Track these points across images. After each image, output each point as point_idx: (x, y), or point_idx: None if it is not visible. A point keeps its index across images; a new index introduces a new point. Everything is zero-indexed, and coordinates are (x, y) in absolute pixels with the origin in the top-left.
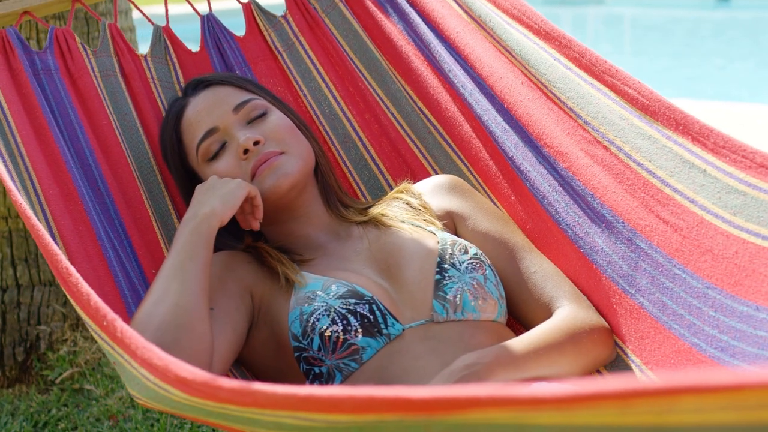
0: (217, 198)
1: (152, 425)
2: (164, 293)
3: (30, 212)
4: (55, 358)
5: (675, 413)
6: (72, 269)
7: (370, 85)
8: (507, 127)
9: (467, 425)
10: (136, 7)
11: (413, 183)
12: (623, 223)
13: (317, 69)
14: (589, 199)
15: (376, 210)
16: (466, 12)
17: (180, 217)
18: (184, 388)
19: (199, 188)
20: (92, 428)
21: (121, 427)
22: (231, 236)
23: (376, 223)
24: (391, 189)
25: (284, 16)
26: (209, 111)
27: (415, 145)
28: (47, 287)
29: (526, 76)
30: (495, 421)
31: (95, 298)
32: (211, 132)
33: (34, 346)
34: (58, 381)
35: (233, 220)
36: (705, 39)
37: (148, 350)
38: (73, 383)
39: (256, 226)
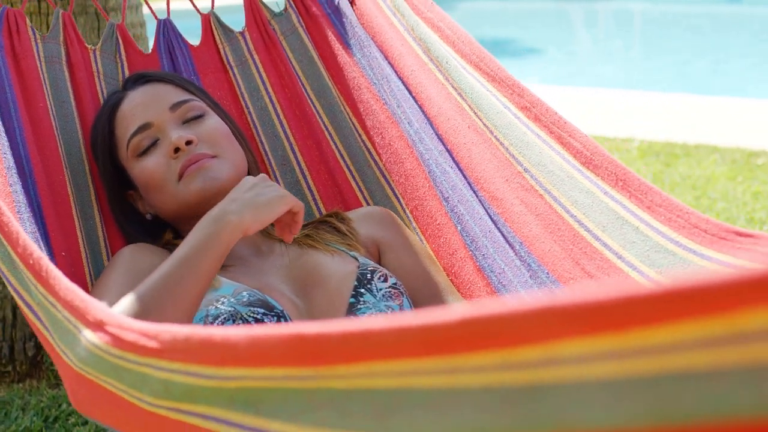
0: (252, 208)
1: None
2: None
3: None
4: None
5: (553, 366)
6: (4, 208)
7: (318, 112)
8: (447, 168)
9: (359, 392)
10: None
11: (344, 211)
12: (548, 273)
13: (266, 88)
14: (518, 247)
15: (302, 231)
16: (424, 52)
17: (102, 209)
18: (96, 329)
19: (244, 182)
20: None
21: None
22: (149, 236)
23: (299, 242)
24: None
25: (242, 33)
26: (145, 106)
27: (353, 176)
28: None
29: (474, 119)
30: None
31: (24, 237)
32: (144, 127)
33: None
34: None
35: (155, 221)
36: (715, 34)
37: (71, 292)
38: None
39: (288, 239)
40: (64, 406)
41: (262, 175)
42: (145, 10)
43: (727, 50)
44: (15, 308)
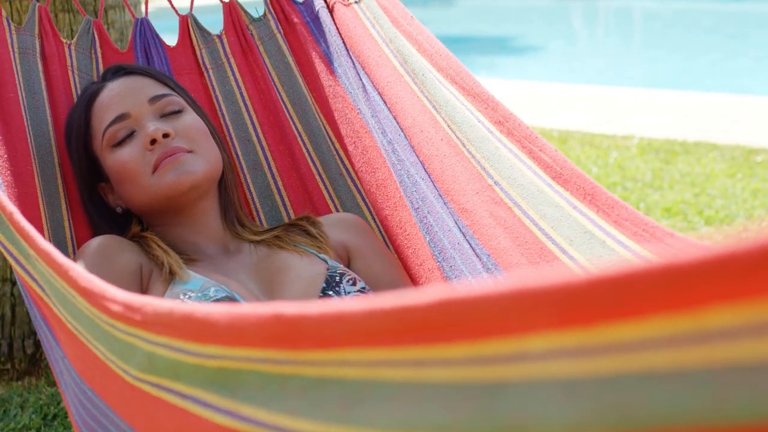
0: None
1: None
2: None
3: None
4: None
5: (518, 362)
6: None
7: (291, 118)
8: (418, 179)
9: (331, 381)
10: None
11: (315, 216)
12: None
13: (241, 93)
14: (485, 260)
15: (271, 233)
16: (401, 63)
17: (69, 201)
18: (85, 296)
19: None
20: None
21: None
22: (117, 230)
23: (268, 243)
24: None
25: (219, 36)
26: (123, 97)
27: (324, 184)
28: None
29: (447, 132)
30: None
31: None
32: (121, 117)
33: None
34: None
35: (124, 215)
36: (715, 32)
37: (49, 254)
38: None
39: None
40: (62, 403)
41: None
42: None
43: (727, 48)
44: (14, 306)
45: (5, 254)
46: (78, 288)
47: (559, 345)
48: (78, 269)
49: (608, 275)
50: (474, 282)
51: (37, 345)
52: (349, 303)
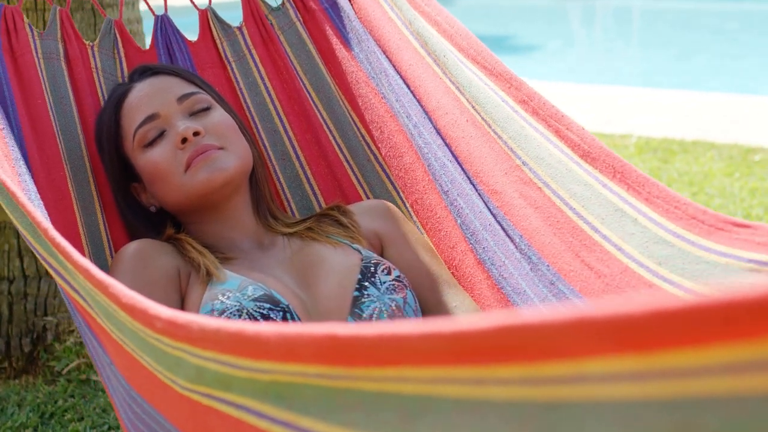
0: None
1: None
2: None
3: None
4: (62, 349)
5: (576, 383)
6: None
7: (316, 106)
8: (446, 161)
9: (389, 396)
10: None
11: (345, 205)
12: (548, 266)
13: (265, 84)
14: (517, 240)
15: (303, 224)
16: (422, 45)
17: (103, 204)
18: (127, 312)
19: None
20: (98, 419)
21: None
22: (153, 230)
23: (302, 235)
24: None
25: (240, 28)
26: (152, 97)
27: (353, 170)
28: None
29: (472, 113)
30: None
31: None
32: (151, 118)
33: (40, 337)
34: (64, 372)
35: (158, 214)
36: (713, 31)
37: (87, 267)
38: (79, 374)
39: None
40: (60, 402)
41: None
42: (142, 6)
43: (724, 47)
44: (11, 304)
45: (44, 264)
46: (120, 304)
47: (616, 369)
48: (118, 286)
49: (667, 308)
50: (523, 292)
51: (34, 343)
52: (404, 326)
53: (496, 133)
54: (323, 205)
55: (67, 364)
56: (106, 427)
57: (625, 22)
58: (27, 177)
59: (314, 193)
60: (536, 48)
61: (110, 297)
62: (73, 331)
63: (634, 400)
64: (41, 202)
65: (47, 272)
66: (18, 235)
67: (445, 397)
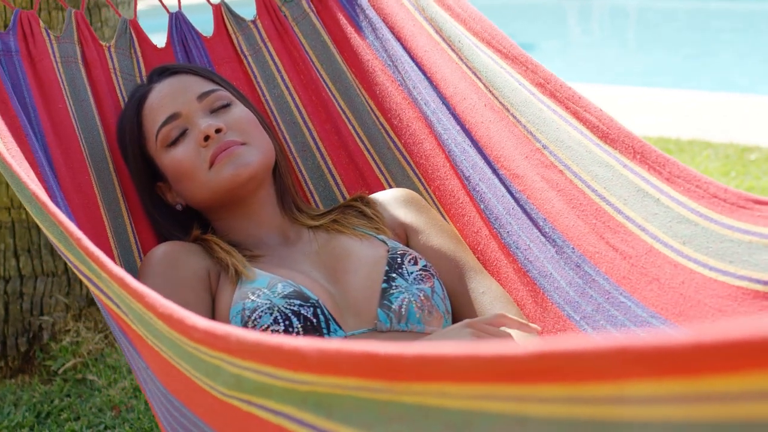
0: None
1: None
2: None
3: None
4: (58, 349)
5: (619, 404)
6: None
7: (334, 96)
8: (466, 147)
9: (432, 409)
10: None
11: (368, 194)
12: (573, 248)
13: (282, 76)
14: (541, 224)
15: (328, 216)
16: (436, 31)
17: (129, 206)
18: (164, 321)
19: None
20: (95, 418)
21: (124, 417)
22: (180, 229)
23: (327, 228)
24: (345, 201)
25: (254, 21)
26: (173, 97)
27: (373, 159)
28: (50, 278)
29: (489, 97)
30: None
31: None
32: (172, 117)
33: (36, 336)
34: (60, 371)
35: (185, 212)
36: (709, 30)
37: (122, 276)
38: (75, 373)
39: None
40: (56, 401)
41: (461, 322)
42: (140, 5)
43: (720, 46)
44: (7, 304)
45: (76, 272)
46: (156, 314)
47: (658, 392)
48: (154, 295)
49: (707, 340)
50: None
51: (31, 343)
52: (446, 347)
53: (514, 117)
54: (346, 195)
55: (63, 364)
56: (102, 426)
57: (621, 22)
58: (53, 183)
59: (336, 184)
60: (534, 48)
61: (146, 306)
62: (68, 330)
63: (679, 420)
64: (69, 208)
65: (43, 272)
66: (14, 235)
67: (487, 412)
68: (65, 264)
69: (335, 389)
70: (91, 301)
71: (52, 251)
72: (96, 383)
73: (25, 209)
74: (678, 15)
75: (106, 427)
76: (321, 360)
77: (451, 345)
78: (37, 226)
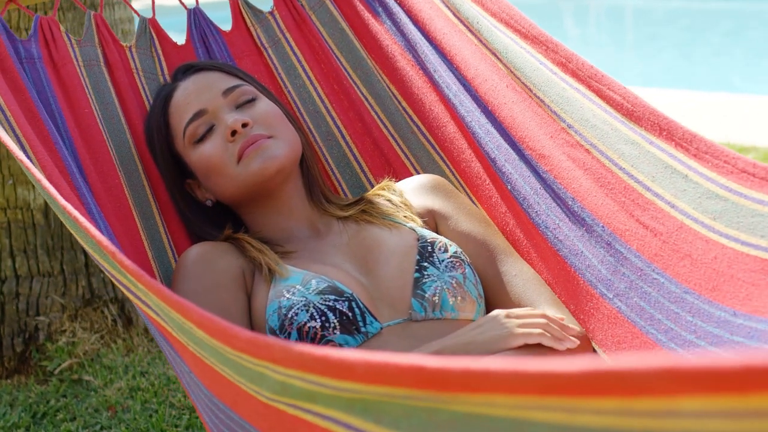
0: (465, 349)
1: (150, 416)
2: None
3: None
4: (54, 349)
5: (672, 417)
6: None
7: (355, 83)
8: (490, 128)
9: (480, 417)
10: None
11: (395, 181)
12: (603, 227)
13: (302, 66)
14: (570, 203)
15: (357, 206)
16: (453, 14)
17: (160, 206)
18: (204, 330)
19: (478, 321)
20: (91, 419)
21: (120, 418)
22: (212, 225)
23: (356, 219)
24: (372, 188)
25: (271, 13)
26: (198, 94)
27: (398, 144)
28: (46, 278)
29: (511, 78)
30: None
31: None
32: (199, 114)
33: (32, 336)
34: (56, 372)
35: (216, 208)
36: (706, 30)
37: (160, 289)
38: (71, 374)
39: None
40: (52, 402)
41: (500, 312)
42: (137, 4)
43: (718, 46)
44: (3, 304)
45: (113, 281)
46: (196, 323)
47: (710, 407)
48: (193, 307)
49: (758, 364)
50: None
51: (26, 343)
52: (493, 362)
53: (537, 97)
54: (373, 182)
55: (59, 364)
56: (98, 426)
57: (617, 21)
58: (86, 190)
59: (363, 171)
60: None
61: (185, 316)
62: (64, 331)
63: None
64: (102, 214)
65: (39, 272)
66: (10, 235)
67: (537, 421)
68: (61, 264)
69: (383, 398)
70: (87, 302)
71: (48, 251)
72: (92, 384)
73: (21, 210)
74: (675, 15)
75: (102, 428)
76: (368, 371)
77: (498, 360)
78: (34, 227)
